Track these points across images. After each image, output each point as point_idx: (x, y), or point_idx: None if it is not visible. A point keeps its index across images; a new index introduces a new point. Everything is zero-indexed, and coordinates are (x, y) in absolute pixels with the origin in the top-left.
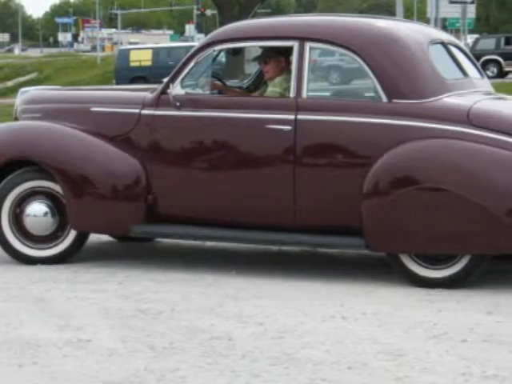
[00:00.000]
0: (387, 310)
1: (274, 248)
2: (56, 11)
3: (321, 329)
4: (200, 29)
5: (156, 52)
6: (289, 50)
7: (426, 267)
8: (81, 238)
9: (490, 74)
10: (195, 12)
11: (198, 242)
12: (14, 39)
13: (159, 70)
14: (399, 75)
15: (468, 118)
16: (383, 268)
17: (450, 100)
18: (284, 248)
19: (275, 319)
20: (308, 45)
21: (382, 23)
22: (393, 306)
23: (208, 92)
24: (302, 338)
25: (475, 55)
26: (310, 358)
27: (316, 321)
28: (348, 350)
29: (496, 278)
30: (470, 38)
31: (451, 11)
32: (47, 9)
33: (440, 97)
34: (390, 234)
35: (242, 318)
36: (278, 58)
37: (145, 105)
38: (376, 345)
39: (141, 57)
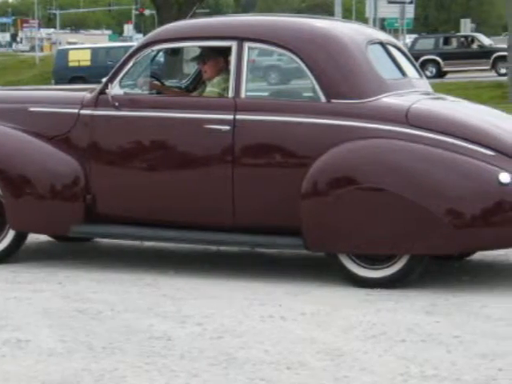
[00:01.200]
0: (326, 310)
1: (213, 248)
2: None
3: (260, 329)
4: (139, 29)
5: (95, 52)
6: (227, 50)
7: (365, 267)
8: (20, 238)
9: (428, 73)
10: (134, 12)
11: (137, 242)
12: None
13: (98, 70)
14: (338, 75)
15: (406, 118)
16: (322, 268)
17: (388, 100)
18: (223, 248)
19: (214, 319)
20: (246, 45)
21: (320, 23)
22: (332, 305)
23: (147, 92)
24: (240, 338)
25: (414, 55)
26: (249, 358)
27: (255, 321)
28: (287, 350)
29: (435, 279)
30: (409, 38)
31: (390, 11)
32: None
33: (379, 97)
34: (329, 234)
35: (180, 318)
36: (216, 58)
37: (83, 105)
38: (315, 345)
39: (79, 57)
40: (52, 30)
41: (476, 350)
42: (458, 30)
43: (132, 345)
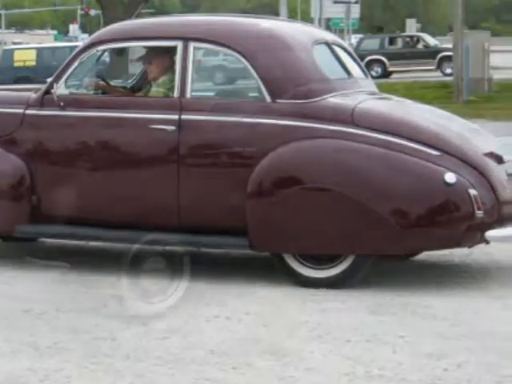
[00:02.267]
0: (271, 310)
1: (158, 248)
2: None
3: (205, 329)
4: (84, 29)
5: (40, 52)
6: (173, 49)
7: (310, 267)
8: None
9: (374, 73)
10: (79, 12)
11: (82, 242)
12: None
13: (43, 70)
14: (283, 75)
15: (352, 117)
16: (267, 268)
17: (334, 100)
18: (168, 248)
19: (159, 319)
20: (192, 45)
21: (265, 23)
22: (277, 305)
23: (92, 92)
24: (186, 338)
25: (359, 55)
26: (194, 358)
27: (200, 321)
28: (232, 350)
29: (380, 279)
30: (355, 38)
31: (335, 11)
32: None
33: (324, 97)
34: (274, 234)
35: (126, 319)
36: (161, 58)
37: (29, 105)
38: (260, 345)
39: (25, 57)
40: None
41: (421, 350)
42: (404, 30)
43: (77, 345)
